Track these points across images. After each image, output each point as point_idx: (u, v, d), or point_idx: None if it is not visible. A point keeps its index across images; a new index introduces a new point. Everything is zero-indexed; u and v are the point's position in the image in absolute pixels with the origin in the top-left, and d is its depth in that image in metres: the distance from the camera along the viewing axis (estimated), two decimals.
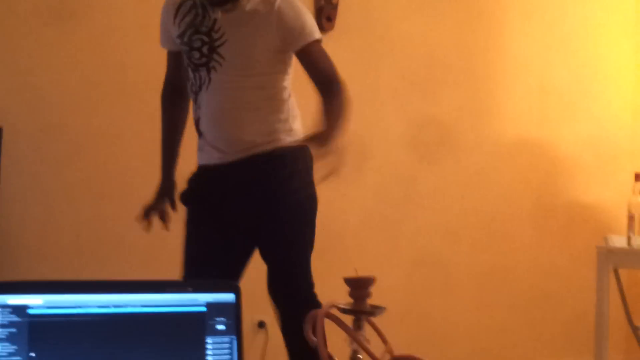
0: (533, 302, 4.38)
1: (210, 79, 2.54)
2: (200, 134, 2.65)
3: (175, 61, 2.72)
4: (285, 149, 2.59)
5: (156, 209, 2.72)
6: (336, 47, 3.85)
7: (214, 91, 2.56)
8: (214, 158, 2.62)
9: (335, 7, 3.90)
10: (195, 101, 2.62)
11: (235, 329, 1.60)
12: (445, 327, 4.20)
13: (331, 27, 3.89)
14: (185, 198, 2.74)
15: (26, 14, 3.41)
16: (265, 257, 2.65)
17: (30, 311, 1.48)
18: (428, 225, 4.18)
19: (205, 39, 2.54)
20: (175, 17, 2.61)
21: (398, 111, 4.12)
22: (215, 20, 2.54)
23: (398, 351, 1.69)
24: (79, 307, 1.51)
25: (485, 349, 4.26)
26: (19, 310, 1.48)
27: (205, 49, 2.54)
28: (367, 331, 1.75)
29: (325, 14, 3.88)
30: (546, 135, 4.43)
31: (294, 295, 2.61)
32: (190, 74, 2.60)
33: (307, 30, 2.57)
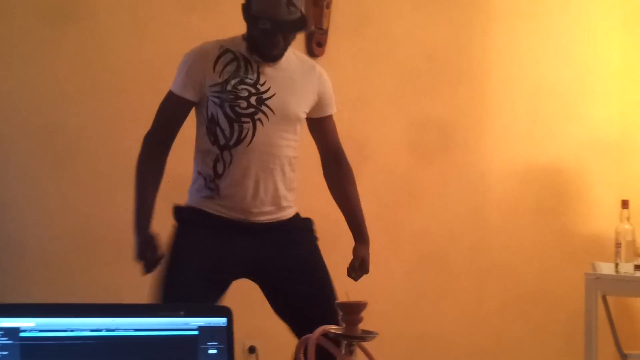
0: (533, 302, 4.38)
1: (254, 133, 2.50)
2: (215, 189, 2.56)
3: (183, 110, 2.60)
4: (297, 217, 2.70)
5: (147, 260, 2.62)
6: (337, 48, 3.94)
7: (257, 145, 2.51)
8: (227, 214, 2.57)
9: (325, 33, 3.93)
10: (220, 156, 2.53)
11: (227, 353, 1.60)
12: (445, 326, 4.19)
13: (321, 53, 3.91)
14: (182, 221, 2.64)
15: (26, 14, 3.41)
16: (300, 309, 2.64)
17: (23, 334, 1.48)
18: (428, 225, 4.18)
19: (252, 90, 2.52)
20: (215, 65, 2.54)
21: (398, 111, 4.14)
22: (260, 74, 2.54)
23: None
24: (71, 330, 1.51)
25: (485, 348, 4.26)
26: (11, 332, 1.47)
27: (253, 100, 2.51)
28: (359, 357, 1.75)
29: (316, 40, 3.91)
30: (546, 134, 4.46)
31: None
32: (225, 126, 2.51)
33: (333, 101, 2.74)
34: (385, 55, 4.12)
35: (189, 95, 2.56)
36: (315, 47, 3.90)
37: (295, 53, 2.66)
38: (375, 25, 4.10)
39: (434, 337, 4.16)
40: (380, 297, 3.99)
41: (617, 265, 3.67)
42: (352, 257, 2.78)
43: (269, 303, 2.69)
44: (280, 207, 2.61)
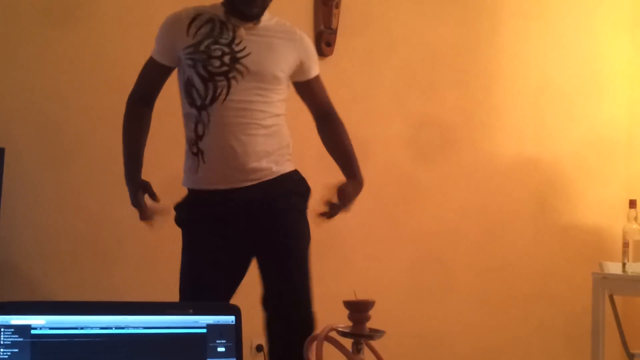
0: (533, 301, 4.38)
1: (229, 90, 2.53)
2: (198, 152, 2.59)
3: (160, 74, 2.69)
4: (289, 175, 2.68)
5: (141, 206, 2.68)
6: (338, 48, 3.96)
7: (232, 103, 2.54)
8: (216, 183, 2.58)
9: (334, 33, 3.94)
10: (199, 117, 2.57)
11: (236, 350, 1.61)
12: (446, 326, 4.19)
13: (330, 52, 3.92)
14: (183, 221, 2.69)
15: (26, 14, 3.42)
16: (268, 270, 2.63)
17: (34, 331, 1.50)
18: (428, 225, 4.18)
19: (226, 49, 2.56)
20: (188, 28, 2.60)
21: (398, 111, 4.14)
22: (235, 35, 2.58)
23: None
24: (81, 327, 1.53)
25: (485, 348, 4.26)
26: (22, 330, 1.49)
27: (226, 59, 2.55)
28: (367, 355, 1.76)
29: (325, 40, 3.91)
30: (546, 134, 4.45)
31: (293, 308, 2.60)
32: (199, 86, 2.56)
33: (317, 63, 2.79)
34: (389, 55, 4.12)
35: (165, 59, 2.66)
36: (324, 46, 3.91)
37: (277, 20, 2.70)
38: (382, 25, 4.10)
39: (435, 336, 4.17)
40: (380, 296, 3.97)
41: (624, 265, 3.67)
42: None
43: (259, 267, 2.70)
44: (268, 162, 2.60)
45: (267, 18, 2.64)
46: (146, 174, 2.72)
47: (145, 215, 2.65)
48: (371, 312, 1.78)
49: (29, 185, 3.40)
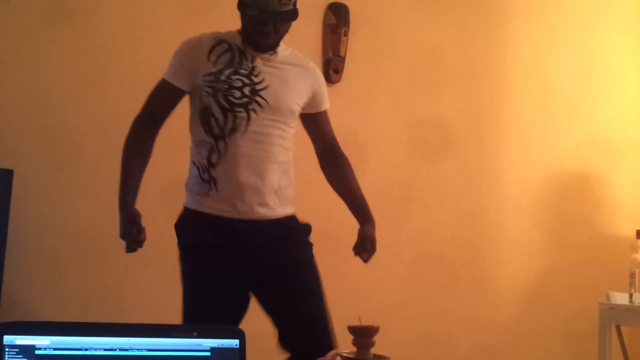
0: (533, 302, 4.36)
1: (249, 122, 2.53)
2: (210, 180, 2.56)
3: (173, 98, 2.64)
4: (293, 217, 2.68)
5: (131, 238, 2.64)
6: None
7: (250, 135, 2.53)
8: (227, 212, 2.55)
9: (342, 60, 3.97)
10: (214, 146, 2.55)
11: None
12: (446, 326, 4.18)
13: (338, 80, 3.95)
14: (188, 246, 2.63)
15: (26, 14, 3.45)
16: (285, 309, 2.63)
17: (38, 352, 1.50)
18: (428, 225, 4.18)
19: (246, 80, 2.55)
20: (209, 55, 2.58)
21: (398, 111, 4.15)
22: (254, 66, 2.58)
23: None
24: (86, 349, 1.53)
25: (485, 348, 4.24)
26: (27, 350, 1.49)
27: (247, 90, 2.54)
28: None
29: (333, 67, 3.94)
30: (547, 134, 4.45)
31: (319, 346, 2.59)
32: (219, 115, 2.54)
33: (326, 97, 2.79)
34: (386, 55, 4.14)
35: (181, 83, 2.61)
36: (332, 73, 3.93)
37: (291, 50, 2.70)
38: (376, 25, 4.12)
39: (434, 337, 4.15)
40: (380, 296, 4.00)
41: (631, 295, 3.66)
42: (356, 254, 2.73)
43: (262, 305, 2.67)
44: (277, 199, 2.59)
45: (282, 48, 2.65)
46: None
47: (134, 247, 2.55)
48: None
49: (28, 185, 3.40)
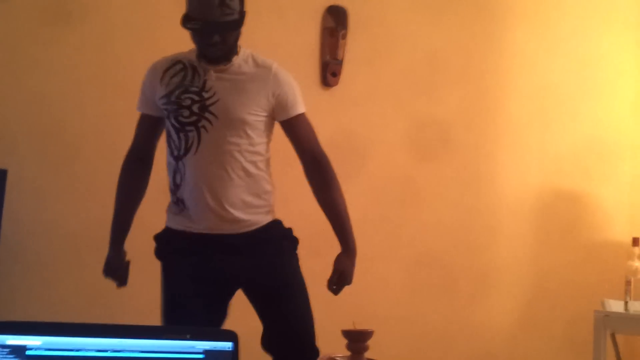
0: (533, 302, 4.36)
1: (199, 140, 2.50)
2: (178, 201, 2.57)
3: (149, 126, 2.64)
4: (272, 224, 2.65)
5: (111, 275, 2.69)
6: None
7: (203, 153, 2.51)
8: (197, 229, 2.56)
9: (340, 63, 3.97)
10: (176, 167, 2.55)
11: None
12: (445, 327, 4.17)
13: (336, 83, 3.95)
14: (163, 253, 2.67)
15: (26, 14, 3.45)
16: (267, 311, 2.62)
17: (29, 352, 1.49)
18: (428, 225, 4.17)
19: (196, 97, 2.52)
20: (162, 78, 2.59)
21: (396, 114, 4.15)
22: (205, 81, 2.54)
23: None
24: (78, 349, 1.51)
25: (485, 348, 4.24)
26: (18, 350, 1.48)
27: (195, 107, 2.51)
28: None
29: (331, 70, 3.94)
30: (547, 134, 4.44)
31: (299, 350, 2.59)
32: (174, 136, 2.54)
33: (298, 100, 2.64)
34: (386, 55, 4.14)
35: (148, 110, 2.63)
36: (330, 77, 3.93)
37: (254, 57, 2.62)
38: (376, 24, 4.11)
39: (433, 337, 4.14)
40: (379, 296, 3.99)
41: (626, 303, 3.65)
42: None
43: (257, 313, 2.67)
44: (244, 214, 2.57)
45: (240, 56, 2.58)
46: None
47: (120, 282, 2.66)
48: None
49: (28, 185, 3.39)
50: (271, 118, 2.61)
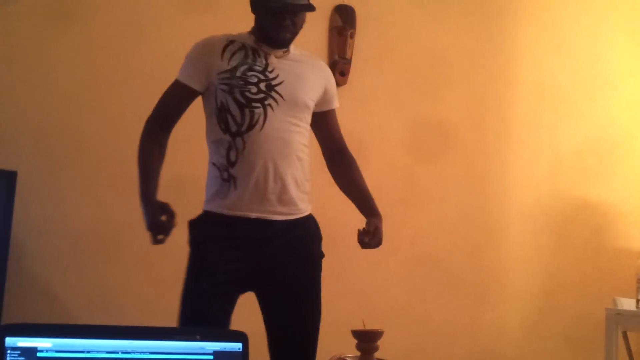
0: (542, 301, 4.35)
1: (266, 118, 2.53)
2: (230, 179, 2.54)
3: (184, 98, 2.63)
4: (310, 217, 2.68)
5: (161, 227, 2.60)
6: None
7: (268, 130, 2.52)
8: (246, 210, 2.53)
9: (348, 62, 3.96)
10: (232, 143, 2.53)
11: None
12: (445, 327, 4.16)
13: (344, 82, 3.94)
14: (198, 242, 2.59)
15: (26, 14, 3.46)
16: (278, 319, 2.61)
17: (40, 354, 1.49)
18: (428, 225, 4.17)
19: (261, 76, 2.56)
20: (222, 54, 2.59)
21: (398, 111, 4.15)
22: (268, 62, 2.59)
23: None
24: (88, 351, 1.52)
25: (489, 353, 4.23)
26: (29, 352, 1.48)
27: (262, 85, 2.55)
28: None
29: (339, 69, 3.93)
30: (547, 134, 4.43)
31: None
32: (236, 112, 2.53)
33: (336, 96, 2.80)
34: (387, 55, 4.13)
35: (194, 84, 2.61)
36: (338, 76, 3.92)
37: (301, 51, 2.71)
38: (376, 24, 4.11)
39: (434, 337, 4.14)
40: (379, 296, 3.98)
41: (638, 301, 3.64)
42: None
43: (261, 307, 2.65)
44: (299, 196, 2.59)
45: (292, 47, 2.65)
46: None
47: (161, 238, 2.45)
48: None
49: (28, 185, 3.40)
50: (313, 108, 2.69)
